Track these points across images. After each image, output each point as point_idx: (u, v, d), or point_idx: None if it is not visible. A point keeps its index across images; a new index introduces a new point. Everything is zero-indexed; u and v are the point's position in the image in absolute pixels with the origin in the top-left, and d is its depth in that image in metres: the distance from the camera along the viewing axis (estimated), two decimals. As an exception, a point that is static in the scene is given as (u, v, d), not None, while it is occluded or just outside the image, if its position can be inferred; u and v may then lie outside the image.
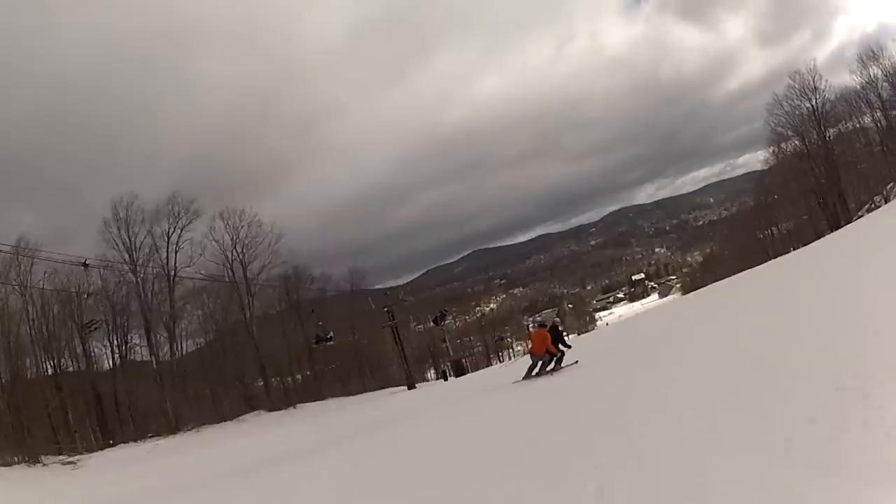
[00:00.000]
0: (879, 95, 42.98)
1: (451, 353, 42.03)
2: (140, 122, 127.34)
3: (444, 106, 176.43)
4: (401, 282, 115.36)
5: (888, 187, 41.21)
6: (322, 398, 39.47)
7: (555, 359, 15.26)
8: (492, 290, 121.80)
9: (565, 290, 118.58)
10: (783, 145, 50.40)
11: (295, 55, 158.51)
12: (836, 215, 44.99)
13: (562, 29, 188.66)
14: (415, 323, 63.42)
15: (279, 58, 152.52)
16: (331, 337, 39.90)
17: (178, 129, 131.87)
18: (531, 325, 18.62)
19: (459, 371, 37.18)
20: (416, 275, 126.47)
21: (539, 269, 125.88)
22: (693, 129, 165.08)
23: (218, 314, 41.56)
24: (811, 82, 46.10)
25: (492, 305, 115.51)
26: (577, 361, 15.35)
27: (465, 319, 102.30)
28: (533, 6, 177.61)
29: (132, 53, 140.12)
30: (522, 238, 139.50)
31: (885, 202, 38.97)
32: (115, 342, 35.13)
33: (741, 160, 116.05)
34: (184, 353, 38.66)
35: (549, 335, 15.27)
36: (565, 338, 17.07)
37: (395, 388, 38.46)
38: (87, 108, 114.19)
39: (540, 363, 15.24)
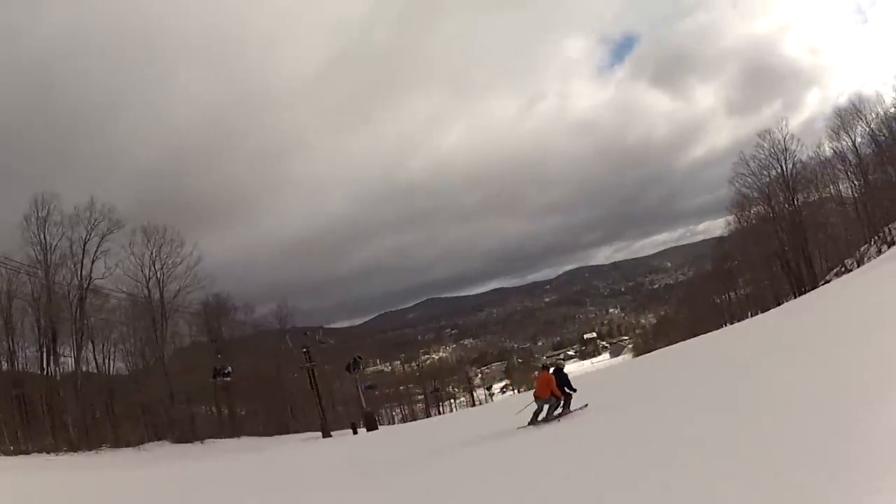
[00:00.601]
0: (858, 156, 42.23)
1: (364, 405, 38.13)
2: (102, 125, 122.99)
3: (407, 152, 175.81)
4: (354, 323, 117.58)
5: (861, 249, 39.86)
6: (237, 435, 36.79)
7: (561, 402, 14.81)
8: (442, 339, 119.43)
9: (516, 345, 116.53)
10: (747, 209, 49.44)
11: (266, 83, 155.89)
12: (800, 279, 43.73)
13: (532, 87, 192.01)
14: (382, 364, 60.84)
15: (250, 85, 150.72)
16: (229, 372, 36.81)
17: (140, 139, 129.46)
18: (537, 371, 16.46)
19: (371, 425, 32.86)
20: (369, 318, 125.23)
21: (491, 322, 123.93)
22: (655, 193, 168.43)
23: (130, 334, 38.37)
24: (782, 143, 45.15)
25: (441, 354, 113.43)
26: (586, 405, 14.92)
27: (413, 366, 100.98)
28: (506, 63, 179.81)
29: (100, 53, 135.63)
30: (477, 290, 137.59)
31: (858, 265, 37.50)
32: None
33: (701, 227, 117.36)
34: (93, 368, 35.84)
35: (553, 378, 14.82)
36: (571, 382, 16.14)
37: (310, 434, 34.65)
38: (48, 102, 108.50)
39: (547, 407, 14.68)
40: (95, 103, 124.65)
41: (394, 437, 22.83)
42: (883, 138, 40.50)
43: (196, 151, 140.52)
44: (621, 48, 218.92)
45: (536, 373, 17.02)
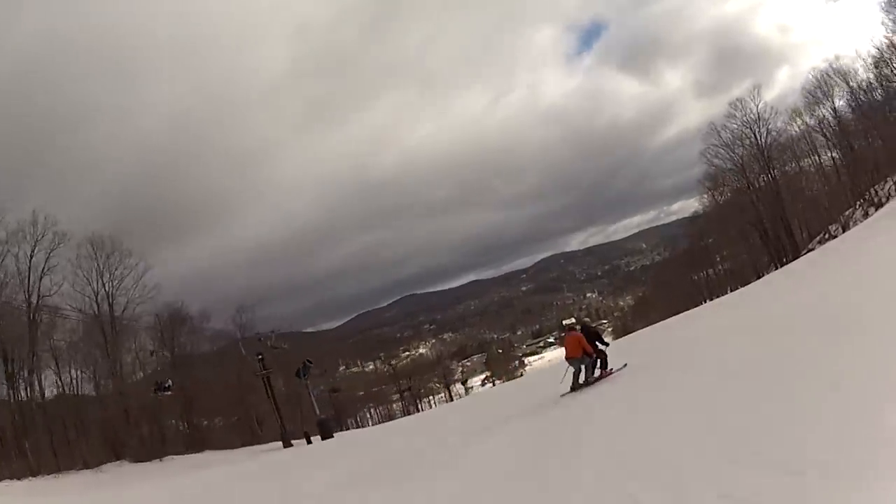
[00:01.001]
0: (837, 120, 40.83)
1: (318, 412, 35.91)
2: (66, 134, 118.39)
3: (378, 150, 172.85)
4: (332, 325, 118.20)
5: (846, 214, 38.17)
6: (201, 450, 34.97)
7: (598, 361, 13.84)
8: (421, 335, 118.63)
9: (495, 336, 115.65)
10: (720, 182, 48.07)
11: (235, 87, 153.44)
12: (780, 249, 42.41)
13: (501, 79, 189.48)
14: (320, 372, 58.21)
15: (219, 89, 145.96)
16: (168, 386, 35.20)
17: (106, 147, 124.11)
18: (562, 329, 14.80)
19: (325, 433, 30.67)
20: (347, 319, 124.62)
21: (469, 314, 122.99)
22: (627, 176, 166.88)
23: (85, 351, 36.09)
24: (755, 112, 43.52)
25: (421, 350, 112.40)
26: (625, 365, 14.03)
27: (389, 365, 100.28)
28: (474, 57, 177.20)
29: (66, 62, 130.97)
30: (453, 284, 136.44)
31: (843, 230, 35.62)
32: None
33: (675, 206, 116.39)
34: (57, 390, 34.35)
35: (582, 336, 13.86)
36: (602, 335, 15.34)
37: (274, 445, 32.63)
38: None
39: (583, 368, 13.74)
40: (62, 114, 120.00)
41: (347, 447, 20.78)
42: (863, 102, 39.34)
43: (166, 158, 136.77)
44: (589, 35, 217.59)
45: (563, 335, 15.38)
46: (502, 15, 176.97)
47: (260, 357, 35.61)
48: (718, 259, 57.55)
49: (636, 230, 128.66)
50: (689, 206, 60.14)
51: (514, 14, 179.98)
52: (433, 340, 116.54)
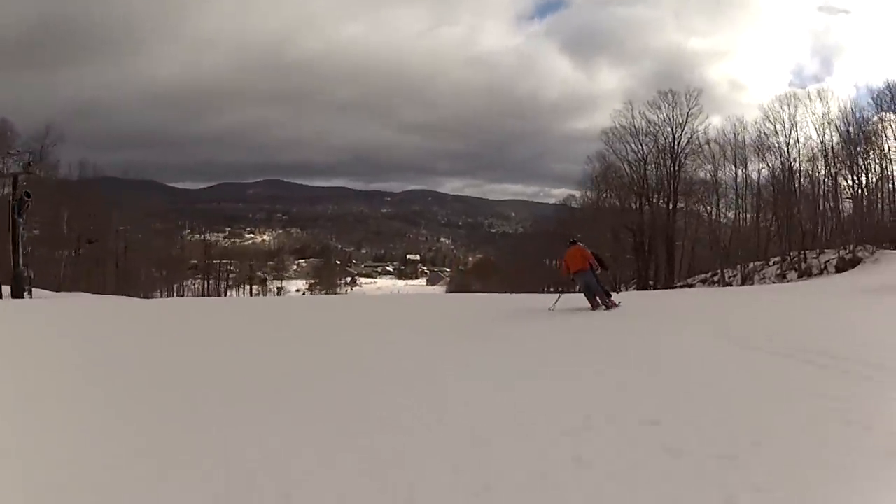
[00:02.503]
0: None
1: (21, 263, 26.04)
2: None
3: (302, 32, 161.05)
4: (194, 186, 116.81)
5: (753, 265, 36.50)
6: None
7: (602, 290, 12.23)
8: (272, 222, 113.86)
9: (340, 246, 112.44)
10: (611, 178, 46.05)
11: None
12: (653, 271, 41.60)
13: (445, 10, 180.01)
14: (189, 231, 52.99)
15: None
16: None
17: None
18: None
19: (17, 291, 23.05)
20: (211, 184, 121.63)
21: (324, 217, 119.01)
22: (525, 147, 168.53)
23: None
24: (670, 118, 41.83)
25: (265, 237, 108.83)
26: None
27: (235, 242, 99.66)
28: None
29: None
30: (320, 183, 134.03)
31: (744, 281, 34.33)
32: None
33: (556, 191, 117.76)
34: None
35: (585, 249, 12.44)
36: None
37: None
38: None
39: (596, 283, 12.09)
40: None
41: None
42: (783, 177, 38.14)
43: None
44: (547, 6, 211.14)
45: (566, 252, 12.73)
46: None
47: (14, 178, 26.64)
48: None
49: (511, 198, 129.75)
50: (569, 195, 58.31)
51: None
52: (280, 231, 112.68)
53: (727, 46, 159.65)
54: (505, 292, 37.76)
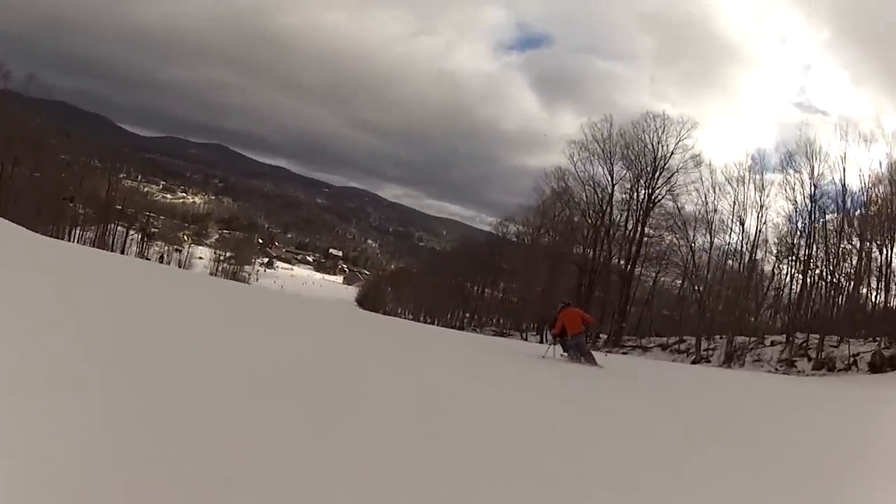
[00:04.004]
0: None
1: None
2: None
3: (283, 3, 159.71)
4: (142, 133, 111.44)
5: (740, 341, 30.40)
6: None
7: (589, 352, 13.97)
8: (206, 187, 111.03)
9: (267, 225, 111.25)
10: (560, 214, 42.38)
11: None
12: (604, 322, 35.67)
13: (426, 22, 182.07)
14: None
15: None
16: None
17: None
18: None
19: None
20: (158, 134, 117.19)
21: (259, 193, 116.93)
22: (472, 170, 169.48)
23: None
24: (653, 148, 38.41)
25: (196, 200, 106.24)
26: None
27: (165, 198, 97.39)
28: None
29: None
30: (264, 159, 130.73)
31: (727, 361, 28.88)
32: None
33: (491, 219, 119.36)
34: None
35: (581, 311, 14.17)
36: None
37: None
38: None
39: (584, 344, 13.87)
40: None
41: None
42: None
43: None
44: (528, 41, 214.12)
45: (557, 312, 14.24)
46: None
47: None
48: (505, 287, 53.65)
49: (446, 216, 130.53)
50: (504, 219, 57.39)
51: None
52: (213, 197, 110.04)
53: (696, 119, 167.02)
54: (418, 313, 37.76)
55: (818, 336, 26.89)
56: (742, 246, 34.39)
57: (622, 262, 38.69)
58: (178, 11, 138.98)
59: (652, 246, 38.25)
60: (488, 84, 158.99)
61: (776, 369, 26.48)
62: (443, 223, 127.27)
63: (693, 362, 30.03)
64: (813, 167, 31.95)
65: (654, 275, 39.36)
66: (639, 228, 38.31)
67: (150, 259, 60.54)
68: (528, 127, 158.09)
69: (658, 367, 21.75)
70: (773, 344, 28.78)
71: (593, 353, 14.30)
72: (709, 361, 29.64)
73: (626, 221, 38.87)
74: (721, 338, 30.93)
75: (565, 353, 13.92)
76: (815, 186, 31.88)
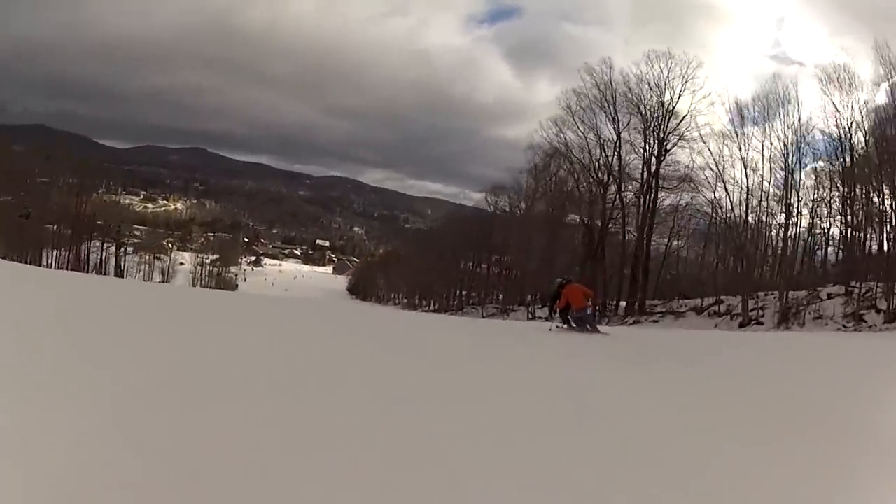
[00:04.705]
0: None
1: None
2: None
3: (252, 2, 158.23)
4: (120, 146, 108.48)
5: (767, 296, 27.47)
6: None
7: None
8: (187, 191, 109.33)
9: (252, 223, 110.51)
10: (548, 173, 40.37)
11: None
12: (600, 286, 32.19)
13: (397, 2, 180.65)
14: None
15: None
16: None
17: None
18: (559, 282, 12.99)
19: None
20: (137, 145, 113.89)
21: (240, 192, 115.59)
22: (452, 146, 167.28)
23: None
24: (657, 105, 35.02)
25: (178, 206, 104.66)
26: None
27: (146, 208, 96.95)
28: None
29: None
30: (242, 157, 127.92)
31: (783, 321, 25.10)
32: None
33: (477, 195, 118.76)
34: None
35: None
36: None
37: None
38: None
39: (591, 318, 14.53)
40: None
41: None
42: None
43: None
44: (499, 13, 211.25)
45: (560, 289, 15.09)
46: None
47: None
48: (496, 259, 51.14)
49: (430, 196, 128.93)
50: (494, 187, 54.78)
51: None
52: (194, 201, 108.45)
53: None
54: (412, 296, 37.16)
55: (880, 284, 23.18)
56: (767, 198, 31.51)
57: (637, 217, 35.22)
58: (147, 22, 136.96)
59: (669, 196, 34.99)
60: (462, 59, 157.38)
61: (843, 326, 22.78)
62: (427, 202, 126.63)
63: (741, 325, 26.57)
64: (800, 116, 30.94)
65: (668, 235, 36.21)
66: (652, 182, 34.40)
67: (123, 275, 59.27)
68: (505, 98, 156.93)
69: (709, 338, 19.06)
70: (829, 297, 24.98)
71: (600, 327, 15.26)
72: (760, 323, 25.94)
73: (639, 174, 35.45)
74: (767, 295, 27.20)
75: (564, 325, 14.79)
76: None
